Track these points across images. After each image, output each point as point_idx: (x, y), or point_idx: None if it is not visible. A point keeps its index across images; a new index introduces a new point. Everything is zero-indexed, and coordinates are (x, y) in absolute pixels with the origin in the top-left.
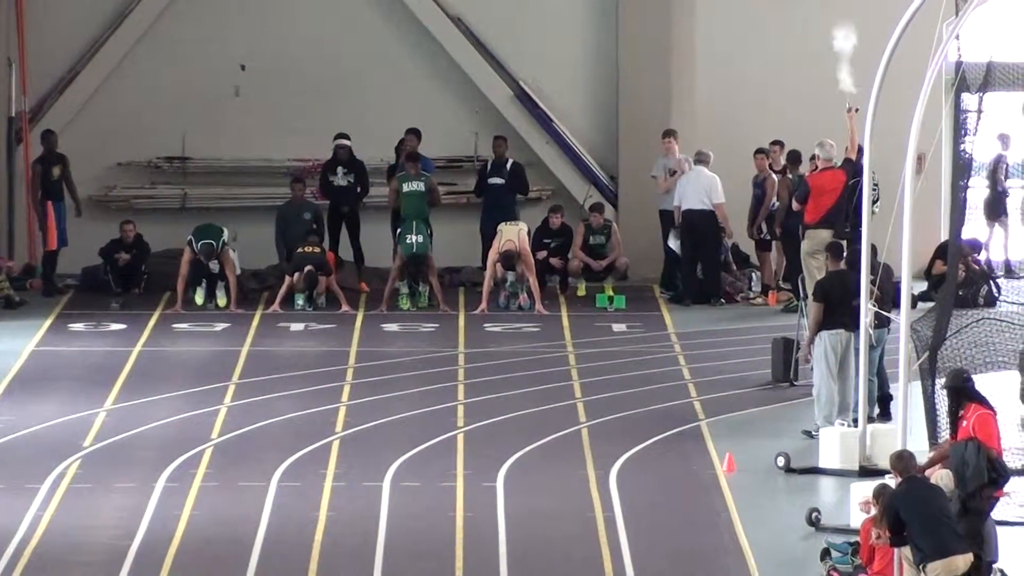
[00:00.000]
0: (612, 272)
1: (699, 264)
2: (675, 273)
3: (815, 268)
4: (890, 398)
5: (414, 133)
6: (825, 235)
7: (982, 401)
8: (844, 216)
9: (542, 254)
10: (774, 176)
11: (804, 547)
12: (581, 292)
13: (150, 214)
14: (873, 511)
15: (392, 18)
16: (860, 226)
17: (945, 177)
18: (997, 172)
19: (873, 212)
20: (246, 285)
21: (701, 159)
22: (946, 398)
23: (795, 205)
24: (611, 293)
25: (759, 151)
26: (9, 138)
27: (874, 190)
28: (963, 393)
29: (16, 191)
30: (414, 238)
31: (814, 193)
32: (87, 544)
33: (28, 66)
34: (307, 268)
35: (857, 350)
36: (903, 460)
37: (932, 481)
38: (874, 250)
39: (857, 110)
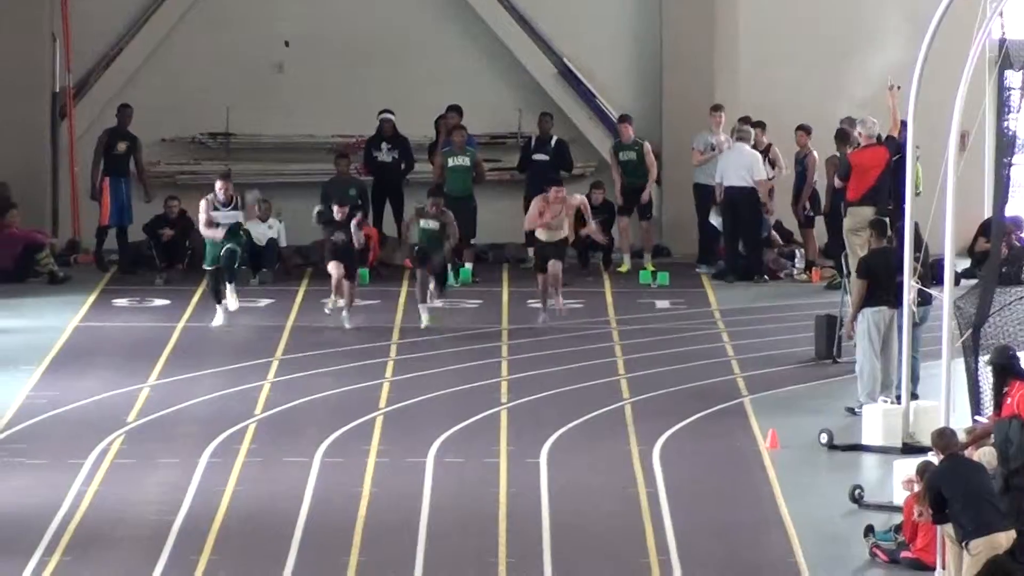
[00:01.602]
0: (642, 211)
1: (741, 241)
2: (713, 248)
3: (858, 245)
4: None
5: (455, 110)
6: (868, 212)
7: None
8: (887, 193)
9: (583, 232)
10: (815, 153)
11: (847, 523)
12: (624, 269)
13: (194, 190)
14: (916, 488)
15: None
16: (903, 203)
17: (988, 155)
18: None
19: (917, 192)
20: (290, 261)
21: (742, 136)
22: (990, 375)
23: (837, 182)
24: (652, 268)
25: (800, 127)
26: (53, 114)
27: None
28: (1008, 370)
29: (60, 167)
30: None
31: (856, 170)
32: (131, 519)
33: (72, 42)
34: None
35: (900, 327)
36: (944, 437)
37: (974, 459)
38: (917, 227)
39: (899, 88)
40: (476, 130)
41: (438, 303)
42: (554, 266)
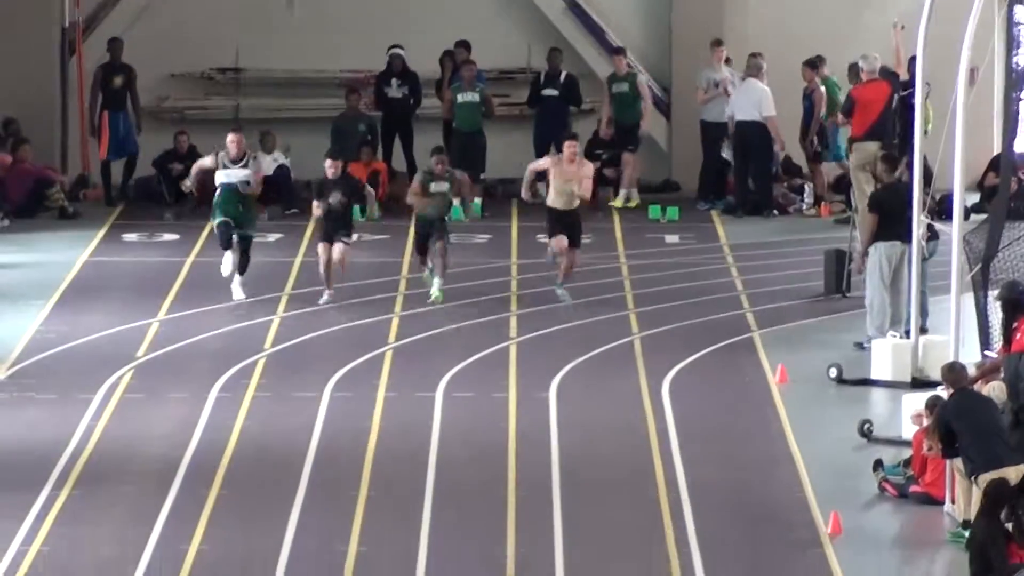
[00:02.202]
0: (626, 142)
1: (751, 176)
2: (720, 184)
3: (864, 181)
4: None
5: (463, 45)
6: (873, 148)
7: None
8: (893, 128)
9: (595, 165)
10: (822, 88)
11: (856, 458)
12: (630, 204)
13: (203, 125)
14: (925, 422)
15: None
16: (910, 138)
17: (998, 90)
18: None
19: (925, 132)
20: (300, 195)
21: (752, 72)
22: (999, 310)
23: (841, 119)
24: (635, 203)
25: (807, 63)
26: (63, 49)
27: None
28: (1017, 306)
29: (69, 104)
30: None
31: (859, 106)
32: (140, 454)
33: None
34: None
35: (910, 262)
36: (954, 372)
37: (984, 393)
38: (925, 161)
39: (903, 27)
40: (485, 65)
41: (436, 288)
42: (572, 255)
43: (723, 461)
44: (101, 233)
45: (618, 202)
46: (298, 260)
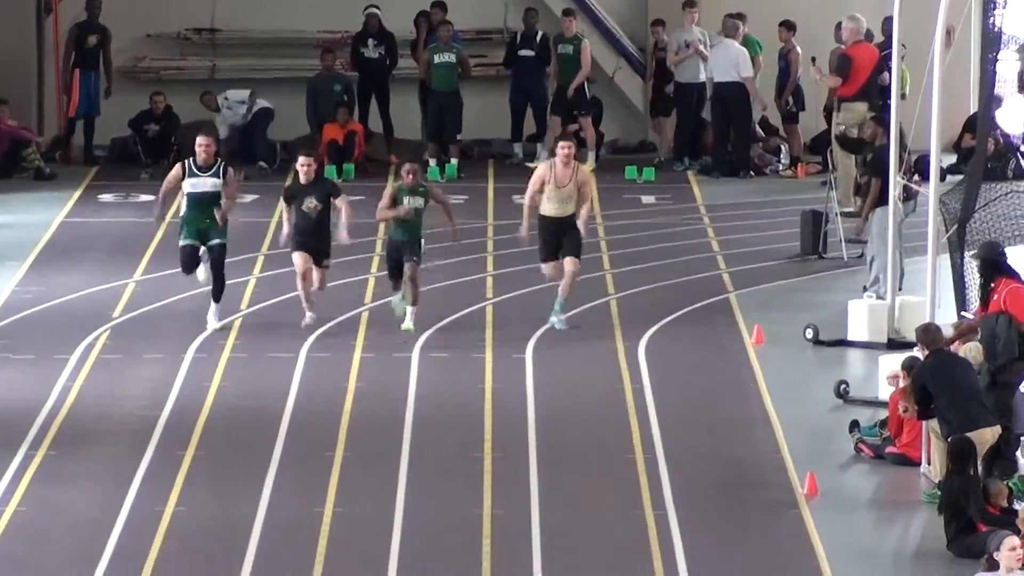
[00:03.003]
0: (578, 106)
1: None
2: (697, 144)
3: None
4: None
5: (439, 5)
6: (862, 108)
7: (1013, 275)
8: (879, 90)
9: (573, 126)
10: (798, 49)
11: (832, 419)
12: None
13: (179, 85)
14: (901, 384)
15: None
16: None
17: (974, 51)
18: None
19: (903, 95)
20: (278, 156)
21: (729, 32)
22: (976, 271)
23: (832, 81)
24: (591, 167)
25: (783, 23)
26: (39, 8)
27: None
28: (996, 266)
29: (45, 64)
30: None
31: (852, 67)
32: (116, 414)
33: None
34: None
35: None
36: (930, 333)
37: (960, 354)
38: (900, 127)
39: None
40: (461, 26)
41: (409, 320)
42: (571, 263)
43: (699, 422)
44: (77, 194)
45: (590, 165)
46: (273, 220)
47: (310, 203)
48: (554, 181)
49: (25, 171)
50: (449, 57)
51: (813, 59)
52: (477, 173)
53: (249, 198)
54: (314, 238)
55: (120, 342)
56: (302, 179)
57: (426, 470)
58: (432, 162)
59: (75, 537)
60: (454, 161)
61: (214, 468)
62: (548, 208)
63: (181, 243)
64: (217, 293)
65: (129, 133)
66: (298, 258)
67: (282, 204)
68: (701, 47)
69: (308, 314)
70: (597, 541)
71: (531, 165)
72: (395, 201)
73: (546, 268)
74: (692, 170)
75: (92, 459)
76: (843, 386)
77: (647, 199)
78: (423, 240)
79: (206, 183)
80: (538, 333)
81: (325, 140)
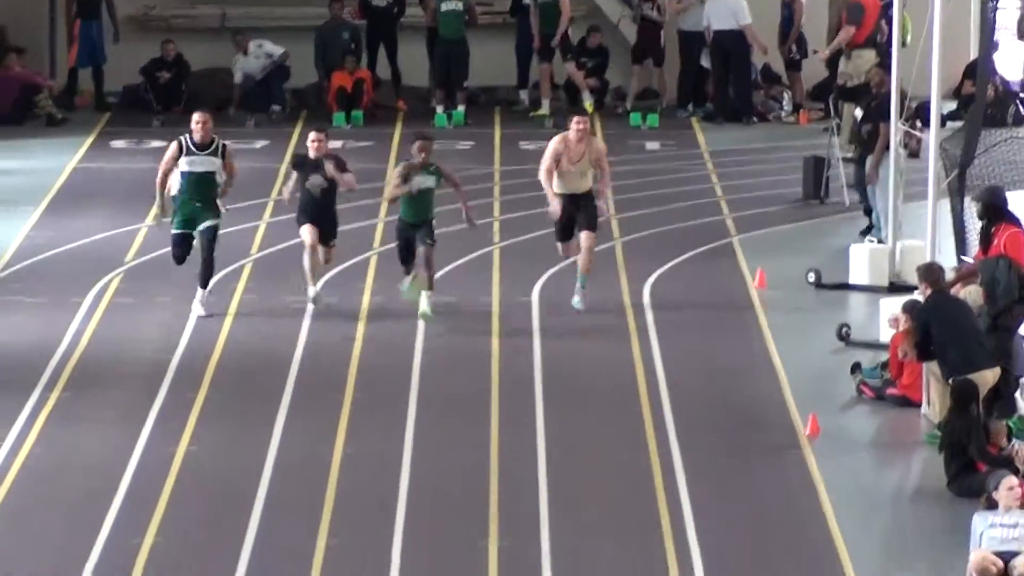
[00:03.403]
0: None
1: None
2: (700, 91)
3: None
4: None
5: None
6: (870, 55)
7: (1014, 220)
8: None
9: (580, 74)
10: None
11: (834, 361)
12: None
13: (189, 33)
14: (902, 326)
15: None
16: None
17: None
18: None
19: (904, 43)
20: (287, 104)
21: None
22: (975, 216)
23: (845, 32)
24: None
25: None
26: None
27: None
28: (996, 211)
29: (57, 10)
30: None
31: (865, 14)
32: (129, 357)
33: None
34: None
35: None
36: (932, 272)
37: (960, 297)
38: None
39: None
40: None
41: (425, 305)
42: (588, 239)
43: (703, 365)
44: (90, 140)
45: (588, 105)
46: (282, 167)
47: (316, 179)
48: (568, 157)
49: (37, 117)
50: (456, 5)
51: (815, 51)
52: (484, 120)
53: (259, 144)
54: (320, 216)
55: (132, 286)
56: (311, 153)
57: (434, 413)
58: (440, 109)
59: (89, 476)
60: (461, 108)
61: (225, 409)
62: (563, 185)
63: (173, 231)
64: (204, 279)
65: (141, 80)
66: (307, 230)
67: (292, 172)
68: None
69: (311, 287)
70: (602, 481)
71: (535, 114)
72: (405, 181)
73: (562, 247)
74: (696, 116)
75: (105, 400)
76: (845, 329)
77: (651, 145)
78: (434, 221)
79: (203, 162)
80: (544, 277)
81: (334, 87)
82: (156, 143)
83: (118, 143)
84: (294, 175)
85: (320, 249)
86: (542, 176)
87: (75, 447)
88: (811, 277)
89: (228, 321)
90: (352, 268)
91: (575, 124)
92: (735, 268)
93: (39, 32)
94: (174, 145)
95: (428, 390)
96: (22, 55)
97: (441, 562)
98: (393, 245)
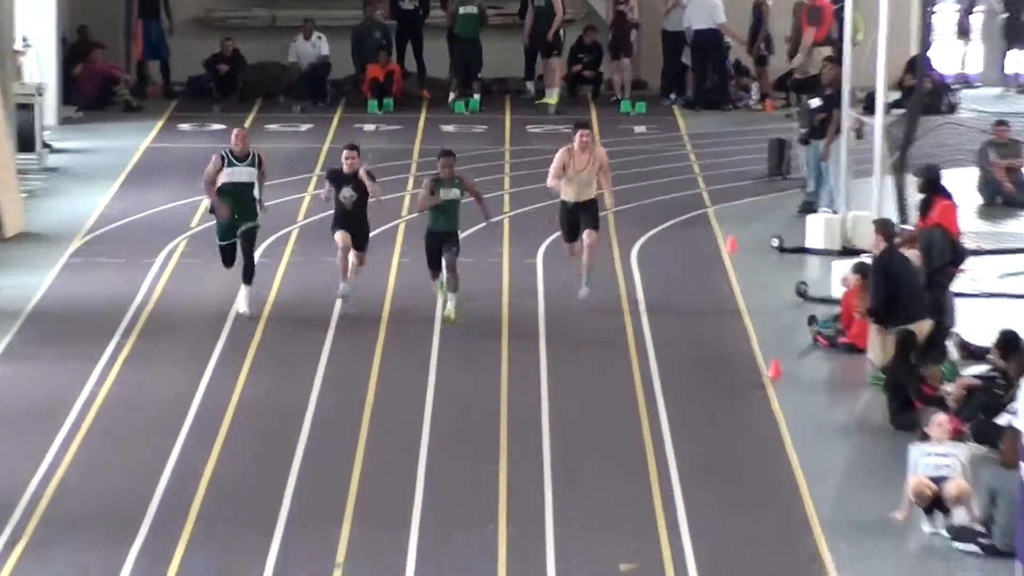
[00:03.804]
0: (547, 49)
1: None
2: (681, 82)
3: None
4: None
5: None
6: (827, 51)
7: (947, 194)
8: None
9: (577, 67)
10: (769, 2)
11: (794, 314)
12: (550, 101)
13: (245, 32)
14: (851, 284)
15: None
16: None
17: (915, 3)
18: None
19: (856, 42)
20: (328, 93)
21: None
22: (914, 191)
23: (809, 33)
24: (553, 101)
25: None
26: None
27: None
28: (933, 186)
29: (132, 14)
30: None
31: (823, 15)
32: (194, 309)
33: None
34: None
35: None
36: (887, 226)
37: None
38: None
39: None
40: None
41: (452, 308)
42: (590, 236)
43: (681, 315)
44: (160, 123)
45: (552, 99)
46: (325, 146)
47: (346, 192)
48: (573, 166)
49: (116, 104)
50: (471, 9)
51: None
52: (496, 106)
53: (304, 127)
54: (352, 224)
55: (196, 249)
56: (345, 168)
57: (454, 351)
58: (457, 96)
59: (160, 410)
60: (476, 96)
61: (276, 353)
62: (568, 192)
63: (219, 243)
64: (248, 275)
65: (203, 72)
66: (339, 235)
67: (327, 182)
68: (683, 0)
69: (343, 284)
70: (595, 409)
71: (539, 102)
72: (433, 193)
73: (569, 248)
74: (677, 104)
75: (174, 345)
76: (803, 286)
77: (639, 128)
78: (458, 231)
79: (242, 172)
80: (547, 241)
81: (368, 78)
82: (216, 126)
83: (184, 126)
84: (327, 184)
85: (351, 253)
86: (549, 183)
87: (148, 385)
88: (775, 242)
89: (278, 278)
90: (383, 234)
91: (579, 136)
92: (710, 234)
93: (116, 30)
94: (216, 158)
95: (449, 335)
96: (103, 50)
97: (459, 481)
98: (416, 215)
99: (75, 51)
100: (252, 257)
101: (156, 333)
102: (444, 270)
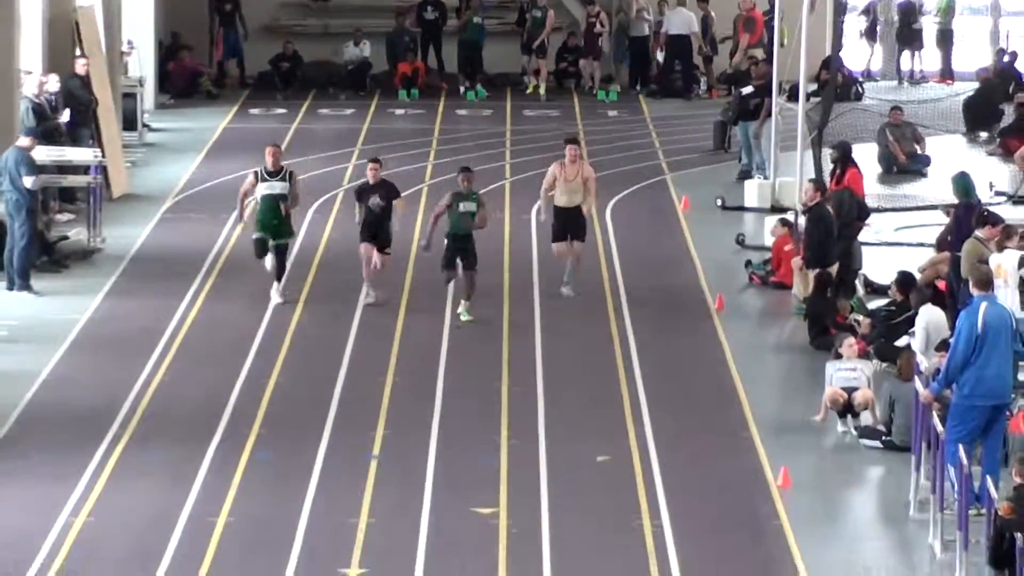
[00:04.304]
0: (538, 52)
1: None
2: (646, 76)
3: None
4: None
5: None
6: (758, 52)
7: (855, 164)
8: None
9: (562, 65)
10: (713, 14)
11: (734, 259)
12: (540, 90)
13: (302, 37)
14: (779, 234)
15: None
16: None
17: (829, 14)
18: (874, 8)
19: (783, 44)
20: (368, 85)
21: (681, 2)
22: (829, 162)
23: (743, 38)
24: (541, 91)
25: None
26: None
27: None
28: (844, 157)
29: (215, 28)
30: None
31: (757, 23)
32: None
33: None
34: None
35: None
36: (820, 183)
37: None
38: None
39: None
40: None
41: (464, 312)
42: (578, 246)
43: (646, 261)
44: (235, 108)
45: (540, 89)
46: (365, 126)
47: (375, 200)
48: (563, 176)
49: (200, 93)
50: (478, 19)
51: (730, 59)
52: (498, 96)
53: (348, 111)
54: (377, 229)
55: None
56: (370, 180)
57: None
58: (466, 87)
59: (232, 335)
60: (480, 88)
61: (326, 293)
62: (560, 199)
63: (254, 236)
64: (279, 275)
65: (269, 68)
66: (364, 248)
67: (356, 203)
68: (645, 13)
69: (372, 292)
70: (578, 337)
71: (529, 91)
72: (452, 206)
73: (556, 247)
74: (642, 94)
75: (243, 285)
76: (741, 236)
77: (612, 112)
78: (474, 240)
79: (275, 186)
80: (538, 201)
81: (399, 73)
82: (279, 110)
83: (254, 110)
84: (356, 204)
85: (376, 256)
86: (542, 192)
87: (223, 316)
88: (719, 202)
89: (328, 230)
90: (411, 195)
91: (568, 151)
92: (668, 196)
93: (201, 35)
94: (251, 175)
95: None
96: (190, 51)
97: (470, 394)
98: (439, 179)
99: (168, 52)
100: (284, 264)
101: (229, 275)
102: (460, 274)
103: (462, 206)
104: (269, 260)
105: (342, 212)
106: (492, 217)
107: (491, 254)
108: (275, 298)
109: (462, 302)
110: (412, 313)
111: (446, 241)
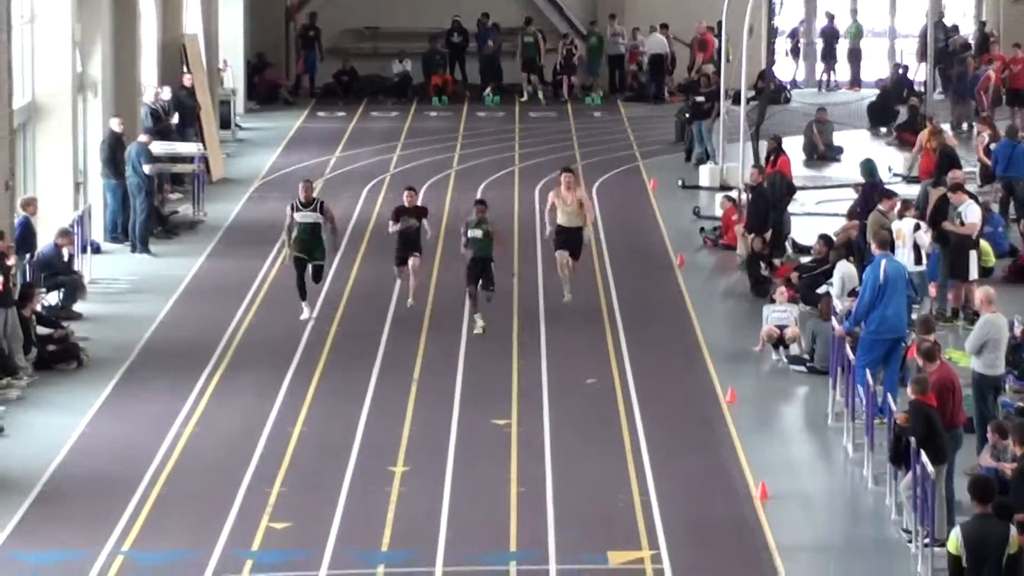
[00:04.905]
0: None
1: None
2: (624, 85)
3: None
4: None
5: (485, 15)
6: (709, 67)
7: (785, 152)
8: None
9: (558, 77)
10: (672, 36)
11: (692, 225)
12: (539, 96)
13: (358, 56)
14: (727, 206)
15: None
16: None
17: (764, 37)
18: (798, 32)
19: (728, 59)
20: (409, 93)
21: (654, 29)
22: (767, 151)
23: (699, 55)
24: (539, 95)
25: (663, 24)
26: (286, 16)
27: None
28: (777, 148)
29: (291, 50)
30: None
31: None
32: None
33: None
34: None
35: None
36: (762, 167)
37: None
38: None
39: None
40: (499, 20)
41: (479, 325)
42: (573, 264)
43: (624, 227)
44: (306, 112)
45: (540, 96)
46: (407, 125)
47: (408, 222)
48: (561, 200)
49: (279, 100)
50: (489, 44)
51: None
52: (508, 101)
53: (393, 113)
54: (411, 244)
55: (331, 189)
56: (406, 203)
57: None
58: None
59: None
60: (492, 94)
61: (378, 258)
62: (561, 220)
63: (293, 254)
64: (316, 278)
65: (332, 81)
66: (399, 270)
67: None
68: (619, 38)
69: (409, 300)
70: (572, 285)
71: (526, 99)
72: (466, 232)
73: (558, 255)
74: (620, 99)
75: None
76: (697, 209)
77: (596, 114)
78: (493, 264)
79: (308, 216)
80: (542, 182)
81: (432, 84)
82: (340, 113)
83: (321, 114)
84: (391, 223)
85: (410, 263)
86: (546, 215)
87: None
88: (680, 182)
89: (377, 206)
90: (439, 180)
91: (563, 179)
92: (640, 178)
93: (280, 55)
94: (288, 208)
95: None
96: (272, 67)
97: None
98: (464, 165)
99: (255, 68)
100: (320, 277)
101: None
102: (480, 290)
103: (474, 232)
104: (305, 311)
105: (390, 188)
106: (501, 196)
107: (504, 215)
108: (306, 312)
109: (476, 317)
110: (440, 281)
111: (468, 262)
